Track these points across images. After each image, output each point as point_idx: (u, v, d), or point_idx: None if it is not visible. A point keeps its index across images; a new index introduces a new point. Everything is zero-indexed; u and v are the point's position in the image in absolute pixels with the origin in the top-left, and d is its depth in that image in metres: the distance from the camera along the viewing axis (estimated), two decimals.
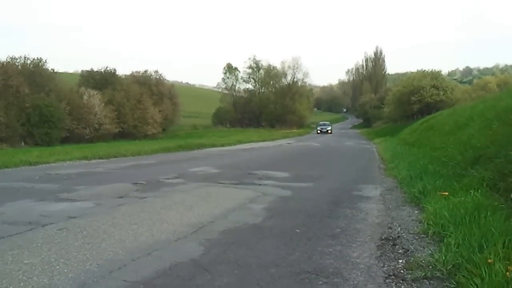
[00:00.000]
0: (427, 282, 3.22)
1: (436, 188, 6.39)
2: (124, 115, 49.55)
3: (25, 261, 3.51)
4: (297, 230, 4.77)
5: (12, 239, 4.18)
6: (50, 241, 4.11)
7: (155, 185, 8.02)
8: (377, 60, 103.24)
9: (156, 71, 63.44)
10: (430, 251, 3.88)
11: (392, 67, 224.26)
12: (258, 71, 72.87)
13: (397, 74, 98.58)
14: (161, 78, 64.37)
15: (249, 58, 73.76)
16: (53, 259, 3.57)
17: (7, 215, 5.30)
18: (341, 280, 3.25)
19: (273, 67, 72.84)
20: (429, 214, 4.99)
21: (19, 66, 43.94)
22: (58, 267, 3.40)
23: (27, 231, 4.49)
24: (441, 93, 39.84)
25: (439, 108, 35.63)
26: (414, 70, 58.91)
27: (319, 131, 56.55)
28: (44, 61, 46.17)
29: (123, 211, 5.63)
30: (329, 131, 56.09)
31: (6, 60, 43.10)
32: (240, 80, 73.89)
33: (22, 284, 3.03)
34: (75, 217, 5.22)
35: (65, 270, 3.33)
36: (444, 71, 51.40)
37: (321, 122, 63.12)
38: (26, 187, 7.77)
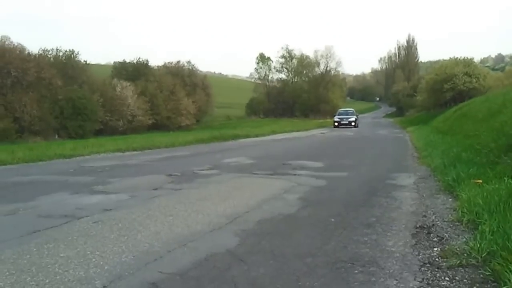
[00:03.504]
0: (462, 270, 3.13)
1: (470, 176, 6.24)
2: (157, 106, 50.00)
3: (61, 254, 3.50)
4: (332, 220, 4.68)
5: (48, 232, 4.20)
6: (85, 234, 4.11)
7: (190, 177, 8.02)
8: (409, 48, 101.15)
9: (189, 62, 63.76)
10: (464, 239, 3.78)
11: (425, 55, 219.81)
12: (291, 61, 72.32)
13: (430, 62, 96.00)
14: (194, 69, 64.69)
15: (282, 48, 73.15)
16: (88, 252, 3.56)
17: (42, 208, 5.36)
18: (377, 269, 3.18)
19: (306, 56, 72.07)
20: (463, 202, 4.89)
21: (51, 59, 44.67)
22: (94, 259, 3.38)
23: (62, 224, 4.51)
24: (474, 80, 38.92)
25: (472, 95, 34.81)
26: (446, 57, 57.37)
27: (336, 124, 37.47)
28: (77, 53, 46.85)
29: (158, 203, 5.62)
30: (353, 123, 37.20)
31: (38, 52, 43.99)
32: (273, 70, 73.58)
33: (58, 277, 3.02)
34: (110, 209, 5.24)
35: (101, 263, 3.31)
36: (476, 59, 49.57)
37: (341, 110, 43.56)
38: (60, 180, 7.89)
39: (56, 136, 38.85)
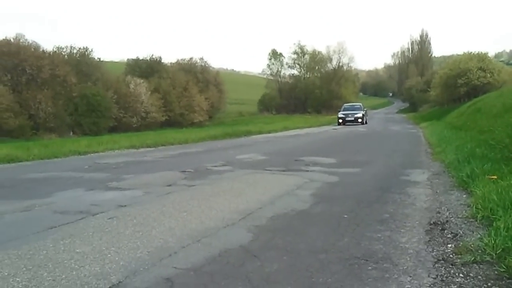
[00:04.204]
0: (477, 267, 3.09)
1: (484, 171, 6.15)
2: (171, 103, 50.26)
3: (77, 250, 3.55)
4: (345, 216, 4.66)
5: (64, 228, 4.26)
6: (101, 230, 4.16)
7: (203, 173, 8.06)
8: (422, 43, 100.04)
9: (202, 59, 64.05)
10: (479, 235, 3.73)
11: (438, 49, 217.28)
12: (303, 56, 72.04)
13: (443, 57, 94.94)
14: (207, 65, 64.91)
15: (294, 44, 73.27)
16: (104, 248, 3.60)
17: (58, 205, 5.43)
18: (391, 266, 3.16)
19: (318, 52, 71.71)
20: (477, 198, 4.81)
21: (66, 56, 45.11)
22: (109, 255, 3.42)
23: (78, 220, 4.57)
24: (488, 75, 38.27)
25: (486, 90, 34.43)
26: (460, 52, 56.60)
27: (341, 121, 33.58)
28: (90, 50, 47.26)
29: (172, 199, 5.66)
30: (360, 120, 33.06)
31: (53, 50, 44.44)
32: (285, 66, 73.41)
33: (74, 272, 3.06)
34: (125, 205, 5.29)
35: (116, 258, 3.35)
36: (491, 53, 48.44)
37: (346, 105, 38.72)
38: (76, 177, 7.98)
39: (71, 133, 39.25)
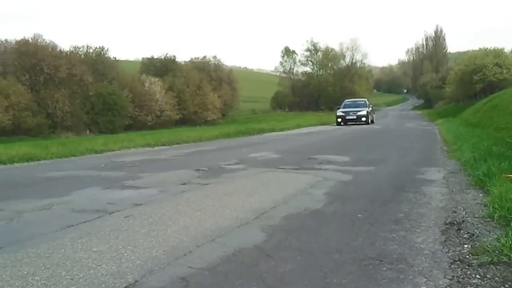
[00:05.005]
0: (494, 268, 3.04)
1: (501, 170, 6.05)
2: (185, 101, 50.70)
3: (94, 249, 3.61)
4: (359, 215, 4.64)
5: (81, 227, 4.33)
6: (117, 229, 4.22)
7: (217, 171, 8.10)
8: (437, 39, 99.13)
9: (215, 57, 64.53)
10: (496, 236, 3.67)
11: (453, 45, 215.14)
12: (316, 54, 71.87)
13: (458, 53, 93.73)
14: (220, 64, 65.36)
15: (307, 41, 72.76)
16: (120, 247, 3.65)
17: (76, 203, 5.51)
18: (406, 266, 3.13)
19: (331, 49, 71.49)
20: (494, 198, 4.73)
21: (82, 55, 45.83)
22: (125, 254, 3.47)
23: (95, 219, 4.64)
24: (505, 71, 37.96)
25: (503, 87, 34.03)
26: (475, 48, 55.73)
27: (340, 120, 28.43)
28: (106, 49, 47.92)
29: (186, 198, 5.70)
30: (363, 119, 27.95)
31: (70, 49, 45.14)
32: (298, 63, 73.37)
33: (92, 271, 3.11)
34: (140, 204, 5.35)
35: (132, 257, 3.39)
36: (507, 49, 47.24)
37: (347, 101, 32.50)
38: (92, 175, 8.09)
39: (88, 131, 39.82)
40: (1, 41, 52.77)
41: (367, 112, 28.58)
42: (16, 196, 6.14)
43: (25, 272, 3.12)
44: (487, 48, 44.38)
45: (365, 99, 33.06)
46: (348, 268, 3.12)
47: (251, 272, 3.09)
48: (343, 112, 29.08)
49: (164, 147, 14.78)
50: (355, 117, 28.15)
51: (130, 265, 3.23)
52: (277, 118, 46.65)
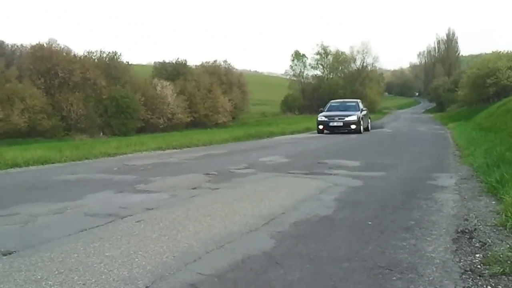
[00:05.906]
0: (506, 278, 3.01)
1: None
2: (196, 104, 51.17)
3: (106, 254, 3.65)
4: (369, 223, 4.62)
5: (94, 231, 4.38)
6: (129, 233, 4.26)
7: (227, 176, 8.13)
8: (449, 42, 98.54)
9: (225, 61, 65.02)
10: (508, 245, 3.64)
11: (465, 48, 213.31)
12: (326, 57, 71.86)
13: (471, 56, 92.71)
14: (230, 67, 65.80)
15: (317, 44, 73.07)
16: (132, 252, 3.69)
17: (89, 207, 5.57)
18: (416, 276, 3.12)
19: (342, 52, 71.47)
20: (507, 205, 4.67)
21: (96, 60, 46.63)
22: (137, 259, 3.51)
23: (107, 223, 4.69)
24: None
25: None
26: (488, 51, 55.35)
27: (321, 127, 22.26)
28: (119, 54, 48.76)
29: (196, 203, 5.74)
30: (353, 126, 21.41)
31: (83, 54, 45.91)
32: (308, 67, 73.47)
33: (103, 276, 3.16)
34: (152, 208, 5.40)
35: (143, 263, 3.43)
36: None
37: (333, 102, 25.53)
38: (105, 179, 8.15)
39: (101, 134, 40.36)
40: (17, 46, 54.07)
41: (358, 117, 22.01)
42: (31, 199, 6.21)
43: (39, 277, 3.17)
44: (500, 51, 44.07)
45: (358, 100, 25.86)
46: (357, 277, 3.11)
47: (259, 279, 3.10)
48: (325, 116, 22.61)
49: (175, 150, 14.85)
50: (341, 123, 21.67)
51: (141, 270, 3.27)
52: (287, 121, 46.58)
